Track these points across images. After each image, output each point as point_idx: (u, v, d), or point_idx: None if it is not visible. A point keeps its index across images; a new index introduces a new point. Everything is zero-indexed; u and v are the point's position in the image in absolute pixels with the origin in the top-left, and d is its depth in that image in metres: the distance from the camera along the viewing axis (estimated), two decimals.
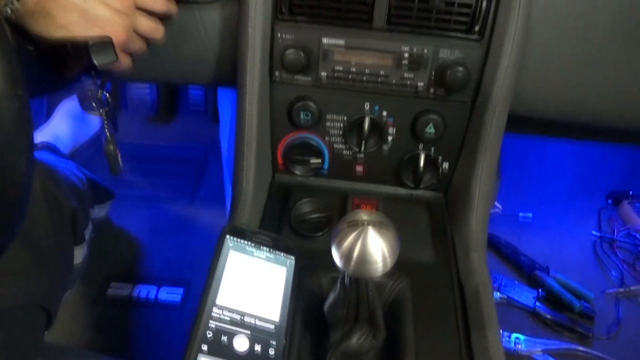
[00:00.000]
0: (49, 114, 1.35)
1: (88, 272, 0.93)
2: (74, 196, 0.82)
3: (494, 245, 1.21)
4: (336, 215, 0.65)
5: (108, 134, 0.73)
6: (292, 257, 0.56)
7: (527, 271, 1.16)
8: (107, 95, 0.69)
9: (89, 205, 0.93)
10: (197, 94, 1.35)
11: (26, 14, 0.46)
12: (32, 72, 0.58)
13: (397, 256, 0.43)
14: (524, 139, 1.06)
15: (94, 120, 1.39)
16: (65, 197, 0.78)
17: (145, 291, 1.08)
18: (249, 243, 0.56)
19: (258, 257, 0.55)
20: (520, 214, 1.30)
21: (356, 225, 0.41)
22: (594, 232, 1.28)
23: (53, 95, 1.35)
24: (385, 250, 0.42)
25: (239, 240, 0.56)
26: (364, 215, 0.42)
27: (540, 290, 1.11)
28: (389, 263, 0.43)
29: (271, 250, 0.56)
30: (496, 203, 1.25)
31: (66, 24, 0.49)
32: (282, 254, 0.56)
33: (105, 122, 0.72)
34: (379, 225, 0.41)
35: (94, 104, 0.70)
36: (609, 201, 1.36)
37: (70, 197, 0.80)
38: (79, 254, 0.84)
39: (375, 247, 0.41)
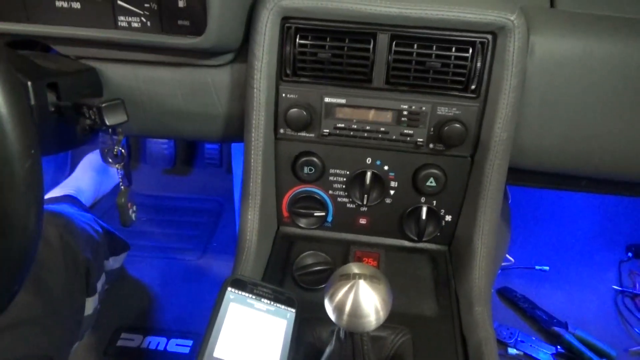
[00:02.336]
0: (73, 167, 1.41)
1: (99, 323, 0.94)
2: (90, 248, 0.85)
3: (510, 299, 1.18)
4: (338, 267, 0.65)
5: (122, 187, 0.77)
6: (293, 310, 0.56)
7: (544, 326, 1.12)
8: (122, 150, 0.73)
9: (104, 258, 0.96)
10: (213, 148, 1.40)
11: None
12: (52, 130, 0.62)
13: (389, 309, 0.43)
14: (537, 189, 1.06)
15: (116, 172, 1.44)
16: (81, 249, 0.81)
17: (155, 343, 1.08)
18: (250, 295, 0.56)
19: (258, 309, 0.56)
20: (537, 267, 1.27)
21: (348, 278, 0.42)
22: (614, 287, 1.24)
23: (76, 149, 1.42)
24: (378, 303, 0.42)
25: (240, 292, 0.57)
26: (355, 269, 0.43)
27: (558, 347, 1.07)
28: (382, 316, 0.43)
29: (272, 302, 0.56)
30: (508, 255, 1.23)
31: None
32: (282, 306, 0.56)
33: (120, 175, 0.75)
34: (370, 279, 0.42)
35: (109, 159, 0.74)
36: (629, 254, 1.32)
37: (85, 249, 0.83)
38: (90, 306, 0.85)
39: (367, 301, 0.42)
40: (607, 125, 0.64)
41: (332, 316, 0.43)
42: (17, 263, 0.43)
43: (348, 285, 0.42)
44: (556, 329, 1.10)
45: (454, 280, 0.66)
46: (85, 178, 1.32)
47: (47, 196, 1.24)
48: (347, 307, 0.42)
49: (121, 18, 0.64)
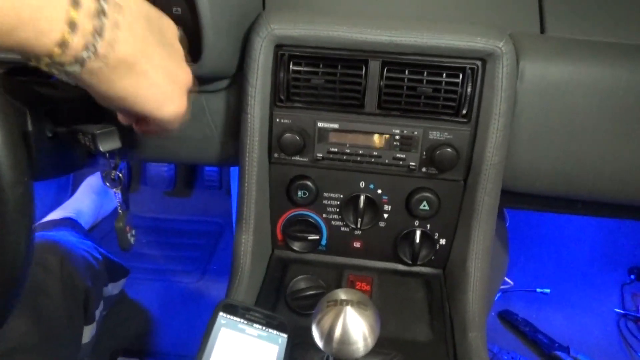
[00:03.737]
0: (74, 188, 1.43)
1: (96, 346, 0.94)
2: (89, 276, 0.85)
3: (511, 322, 1.17)
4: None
5: (120, 211, 0.77)
6: (285, 335, 0.56)
7: (546, 350, 1.11)
8: (120, 175, 0.74)
9: (103, 284, 0.96)
10: (212, 170, 1.41)
11: (109, 66, 0.38)
12: (50, 155, 0.63)
13: (377, 336, 0.43)
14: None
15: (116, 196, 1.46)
16: (80, 277, 0.82)
17: None
18: (242, 320, 0.56)
19: (250, 334, 0.55)
20: (538, 289, 1.26)
21: (335, 304, 0.42)
22: (617, 310, 1.22)
23: (77, 172, 1.43)
24: (366, 330, 0.42)
25: (231, 317, 0.57)
26: (342, 295, 0.43)
27: None
28: (370, 343, 0.43)
29: (264, 327, 0.56)
30: (507, 278, 1.22)
31: (152, 84, 0.42)
32: (274, 331, 0.56)
33: (118, 199, 0.76)
34: (357, 305, 0.42)
35: (107, 183, 0.74)
36: (632, 276, 1.31)
37: (85, 277, 0.83)
38: (88, 334, 0.85)
39: (355, 328, 0.42)
40: (598, 148, 0.64)
41: (319, 343, 0.43)
42: (8, 289, 0.44)
43: (335, 312, 0.42)
44: (558, 353, 1.08)
45: (448, 305, 0.66)
46: (85, 200, 1.33)
47: (47, 218, 1.25)
48: (335, 334, 0.42)
49: None
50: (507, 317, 1.17)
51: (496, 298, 1.21)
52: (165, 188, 1.45)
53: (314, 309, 0.44)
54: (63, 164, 0.65)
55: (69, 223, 1.22)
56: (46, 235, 0.90)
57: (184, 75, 0.47)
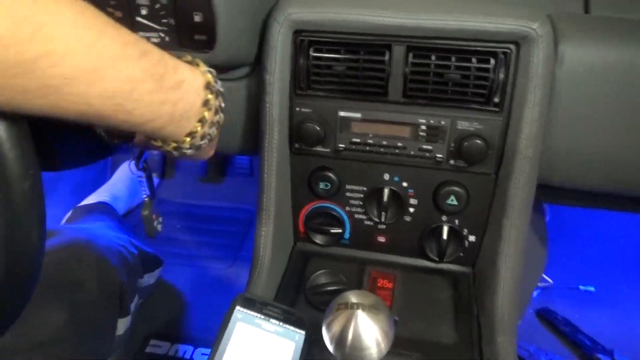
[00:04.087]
0: (111, 173, 1.46)
1: (130, 328, 0.96)
2: (125, 271, 0.88)
3: (550, 321, 1.11)
4: (353, 287, 0.63)
5: (146, 199, 0.78)
6: (302, 332, 0.55)
7: (587, 353, 1.04)
8: (145, 164, 0.74)
9: (139, 277, 0.98)
10: (243, 158, 1.41)
11: (209, 145, 0.50)
12: (72, 146, 0.64)
13: (392, 340, 0.41)
14: None
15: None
16: (116, 272, 0.84)
17: (182, 351, 1.09)
18: (259, 315, 0.55)
19: (266, 330, 0.54)
20: (581, 287, 1.19)
21: (346, 307, 0.40)
22: None
23: (117, 157, 1.47)
24: (379, 335, 0.40)
25: (248, 311, 0.56)
26: (353, 298, 0.40)
27: None
28: (384, 348, 0.41)
29: (281, 323, 0.55)
30: (545, 276, 1.16)
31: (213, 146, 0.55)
32: (291, 327, 0.55)
33: (143, 187, 0.77)
34: (369, 309, 0.40)
35: (132, 172, 0.75)
36: None
37: (121, 272, 0.85)
38: (122, 326, 0.87)
39: (367, 333, 0.40)
40: None
41: (329, 347, 0.41)
42: (22, 281, 0.44)
43: (346, 316, 0.40)
44: (600, 356, 1.02)
45: (476, 305, 0.62)
46: (120, 186, 1.37)
47: (84, 202, 1.29)
48: (346, 339, 0.40)
49: (140, 34, 0.65)
50: (546, 316, 1.11)
51: (535, 295, 1.15)
52: (198, 174, 1.46)
53: (325, 311, 0.42)
54: (84, 154, 0.66)
55: (104, 208, 1.25)
56: (83, 230, 0.93)
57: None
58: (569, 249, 1.22)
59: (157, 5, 0.62)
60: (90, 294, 0.78)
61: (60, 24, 0.31)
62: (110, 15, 0.64)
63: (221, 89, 0.48)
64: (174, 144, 0.45)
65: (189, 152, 0.46)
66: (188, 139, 0.45)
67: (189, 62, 0.46)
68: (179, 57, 0.45)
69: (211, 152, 0.56)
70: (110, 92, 0.36)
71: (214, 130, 0.47)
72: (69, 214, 1.24)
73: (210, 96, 0.45)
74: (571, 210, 1.20)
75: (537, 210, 0.89)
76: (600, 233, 1.27)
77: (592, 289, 1.18)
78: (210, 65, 0.58)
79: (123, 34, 0.36)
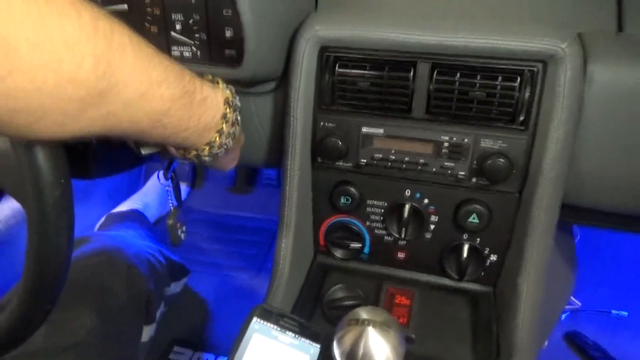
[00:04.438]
0: (145, 181, 1.51)
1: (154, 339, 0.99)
2: (153, 279, 0.90)
3: (579, 345, 1.08)
4: (370, 303, 0.63)
5: (172, 208, 0.80)
6: (317, 345, 0.55)
7: None
8: (173, 174, 0.77)
9: (166, 285, 1.01)
10: (272, 169, 1.43)
11: (226, 153, 0.55)
12: (104, 156, 0.67)
13: (402, 358, 0.40)
14: None
15: (183, 191, 1.52)
16: (144, 280, 0.87)
17: (205, 359, 1.11)
18: (275, 327, 0.56)
19: (282, 342, 0.55)
20: (613, 312, 1.14)
21: (356, 324, 0.40)
22: None
23: (151, 165, 1.51)
24: (390, 353, 0.40)
25: (265, 322, 0.56)
26: (364, 314, 0.41)
27: None
28: None
29: (297, 335, 0.55)
30: (573, 298, 1.12)
31: (235, 157, 0.61)
32: (307, 340, 0.55)
33: (170, 197, 0.79)
34: (379, 326, 0.40)
35: (160, 182, 0.77)
36: None
37: (149, 280, 0.88)
38: (147, 333, 0.90)
39: (377, 350, 0.40)
40: None
41: None
42: (50, 285, 0.46)
43: (357, 332, 0.40)
44: None
45: (496, 327, 0.61)
46: (152, 194, 1.41)
47: (117, 209, 1.33)
48: (356, 356, 0.40)
49: (174, 48, 0.68)
50: (575, 340, 1.08)
51: (563, 318, 1.11)
52: (226, 184, 1.49)
53: (336, 326, 0.43)
54: (117, 164, 0.68)
55: (136, 216, 1.29)
56: (115, 237, 0.96)
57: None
58: (601, 271, 1.18)
59: (191, 21, 0.65)
60: (119, 300, 0.81)
61: (123, 58, 0.35)
62: (147, 30, 0.67)
63: (238, 104, 0.53)
64: (194, 152, 0.51)
65: (207, 159, 0.52)
66: (207, 148, 0.50)
67: (210, 81, 0.51)
68: (201, 76, 0.49)
69: (232, 164, 0.60)
70: (153, 111, 0.40)
71: (230, 141, 0.52)
72: (102, 220, 1.28)
73: (228, 110, 0.50)
74: (604, 232, 1.16)
75: (565, 231, 0.87)
76: (634, 256, 1.22)
77: (625, 313, 1.14)
78: (239, 80, 0.60)
79: (164, 59, 0.40)
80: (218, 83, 0.51)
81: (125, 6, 0.66)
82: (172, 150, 0.55)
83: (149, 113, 0.39)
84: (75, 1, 0.32)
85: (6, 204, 1.12)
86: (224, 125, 0.50)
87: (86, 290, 0.78)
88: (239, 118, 0.53)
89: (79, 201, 0.44)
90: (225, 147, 0.52)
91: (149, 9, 0.66)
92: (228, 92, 0.51)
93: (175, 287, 1.09)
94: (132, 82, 0.36)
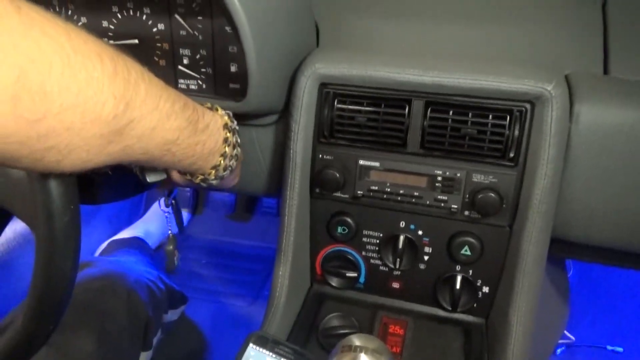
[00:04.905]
0: (146, 209, 1.53)
1: None
2: (152, 306, 0.92)
3: None
4: (364, 332, 0.64)
5: (171, 234, 0.82)
6: None
7: None
8: (174, 202, 0.79)
9: (164, 312, 1.02)
10: (271, 198, 1.45)
11: (231, 174, 0.59)
12: (108, 183, 0.69)
13: None
14: None
15: (184, 217, 1.54)
16: (144, 306, 0.88)
17: None
18: (270, 353, 0.57)
19: None
20: (609, 347, 1.14)
21: (349, 350, 0.42)
22: None
23: (151, 193, 1.53)
24: None
25: (260, 349, 0.58)
26: (357, 341, 0.42)
27: None
28: None
29: None
30: (566, 332, 1.12)
31: (237, 175, 0.64)
32: None
33: (169, 224, 0.81)
34: (371, 352, 0.41)
35: (161, 208, 0.79)
36: None
37: (148, 306, 0.90)
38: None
39: None
40: None
41: None
42: (55, 306, 0.48)
43: (349, 358, 0.41)
44: None
45: (488, 358, 0.62)
46: (154, 221, 1.43)
47: (119, 235, 1.35)
48: None
49: (181, 81, 0.71)
50: None
51: (558, 353, 1.11)
52: (226, 212, 1.51)
53: (330, 352, 0.44)
54: (122, 190, 0.71)
55: (138, 243, 1.30)
56: (117, 263, 0.98)
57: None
58: (597, 306, 1.19)
59: (198, 56, 0.69)
60: (119, 325, 0.82)
61: (138, 96, 0.38)
62: (156, 63, 0.71)
63: (236, 127, 0.57)
64: (200, 177, 0.54)
65: (214, 182, 0.56)
66: (213, 171, 0.54)
67: (210, 108, 0.55)
68: (201, 104, 0.53)
69: (234, 182, 0.65)
70: (164, 141, 0.43)
71: (233, 162, 0.56)
72: (104, 246, 1.30)
73: (228, 134, 0.54)
74: (599, 267, 1.17)
75: (558, 266, 0.88)
76: (630, 291, 1.23)
77: (620, 349, 1.14)
78: (242, 112, 0.63)
79: (172, 93, 0.43)
80: (217, 110, 0.55)
81: (136, 40, 0.70)
82: (177, 178, 0.58)
83: (159, 143, 0.42)
84: (97, 48, 0.35)
85: (9, 227, 1.13)
86: (226, 149, 0.53)
87: (87, 313, 0.79)
88: (238, 140, 0.57)
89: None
90: (230, 168, 0.56)
91: (158, 44, 0.69)
92: (226, 117, 0.55)
93: (172, 315, 1.10)
94: (145, 117, 0.39)
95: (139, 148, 0.40)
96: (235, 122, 0.57)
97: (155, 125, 0.41)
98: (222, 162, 0.54)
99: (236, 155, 0.56)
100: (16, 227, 1.14)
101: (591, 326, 1.15)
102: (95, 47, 0.35)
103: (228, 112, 0.56)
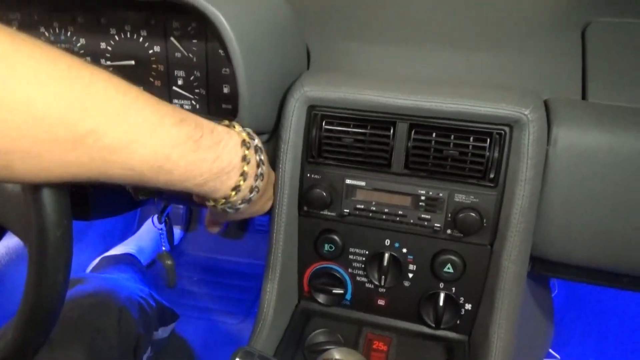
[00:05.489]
0: (139, 226, 1.54)
1: None
2: (143, 323, 0.92)
3: None
4: (349, 347, 0.65)
5: (164, 250, 0.84)
6: None
7: None
8: (167, 218, 0.81)
9: (154, 329, 1.02)
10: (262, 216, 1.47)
11: (260, 196, 0.56)
12: (102, 198, 0.71)
13: None
14: None
15: (177, 234, 1.55)
16: (134, 323, 0.89)
17: None
18: None
19: None
20: None
21: None
22: None
23: (145, 210, 1.55)
24: None
25: None
26: (337, 355, 0.43)
27: None
28: None
29: None
30: (551, 351, 1.13)
31: (270, 197, 0.64)
32: None
33: (162, 239, 0.82)
34: None
35: (154, 225, 0.81)
36: None
37: (139, 323, 0.90)
38: None
39: None
40: (639, 223, 0.61)
41: None
42: (45, 318, 0.49)
43: None
44: None
45: None
46: (146, 238, 1.43)
47: (112, 252, 1.36)
48: None
49: (175, 101, 0.74)
50: None
51: None
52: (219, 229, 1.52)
53: None
54: (115, 207, 0.73)
55: (130, 259, 1.31)
56: (109, 279, 0.99)
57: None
58: (582, 325, 1.20)
59: (192, 77, 0.71)
60: (109, 342, 0.82)
61: (103, 107, 0.36)
62: (151, 84, 0.73)
63: (260, 145, 0.53)
64: (222, 201, 0.50)
65: (241, 206, 0.51)
66: (233, 193, 0.49)
67: (227, 125, 0.52)
68: (218, 122, 0.51)
69: (268, 205, 0.62)
70: (150, 157, 0.40)
71: (260, 182, 0.52)
72: (96, 262, 1.30)
73: (247, 151, 0.49)
74: (585, 286, 1.19)
75: (540, 284, 0.90)
76: (616, 310, 1.24)
77: None
78: None
79: (163, 108, 0.41)
80: (234, 127, 0.52)
81: (133, 62, 0.72)
82: (201, 202, 0.55)
83: (145, 159, 0.40)
84: (52, 49, 0.34)
85: (1, 243, 1.14)
86: (245, 167, 0.49)
87: (78, 329, 0.79)
88: (262, 157, 0.53)
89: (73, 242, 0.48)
90: (256, 190, 0.51)
91: (154, 65, 0.72)
92: (244, 134, 0.51)
93: (163, 332, 1.10)
94: (114, 130, 0.37)
95: (119, 163, 0.38)
96: (257, 139, 0.53)
97: (133, 140, 0.38)
98: (242, 182, 0.49)
99: (261, 174, 0.52)
100: (8, 243, 1.15)
101: (578, 345, 1.16)
102: (52, 53, 0.34)
103: (248, 129, 0.53)
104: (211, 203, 0.51)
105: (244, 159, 0.49)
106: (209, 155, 0.45)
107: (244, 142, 0.50)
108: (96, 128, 0.36)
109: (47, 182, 0.39)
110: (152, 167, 0.41)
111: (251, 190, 0.51)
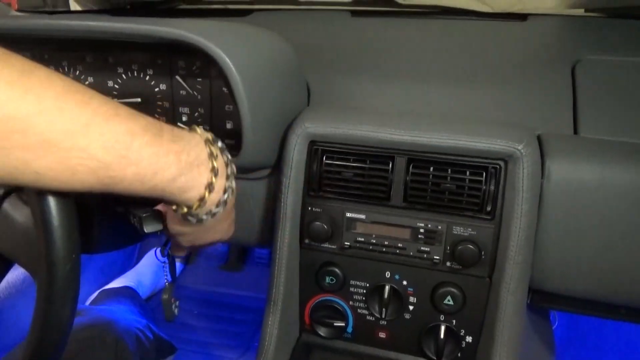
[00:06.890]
0: (138, 259, 1.54)
1: None
2: (139, 355, 0.92)
3: None
4: None
5: (167, 283, 0.84)
6: None
7: None
8: (170, 251, 0.81)
9: None
10: (263, 249, 1.47)
11: (224, 214, 0.53)
12: (108, 231, 0.72)
13: None
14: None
15: (177, 267, 1.55)
16: (131, 356, 0.89)
17: None
18: None
19: None
20: None
21: None
22: None
23: (145, 242, 1.55)
24: None
25: None
26: None
27: None
28: None
29: None
30: None
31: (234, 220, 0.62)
32: None
33: (165, 272, 0.83)
34: None
35: (157, 258, 0.82)
36: None
37: (136, 356, 0.90)
38: None
39: None
40: (633, 255, 0.62)
41: None
42: (51, 351, 0.49)
43: None
44: None
45: None
46: (146, 272, 1.44)
47: (110, 285, 1.35)
48: None
49: None
50: None
51: None
52: (219, 262, 1.52)
53: None
54: (120, 239, 0.73)
55: (128, 292, 1.31)
56: (107, 311, 0.99)
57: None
58: (583, 358, 1.19)
59: (196, 114, 0.73)
60: None
61: (47, 88, 0.36)
62: (156, 119, 0.75)
63: (224, 146, 0.52)
64: (185, 209, 0.48)
65: (205, 217, 0.50)
66: (207, 193, 0.47)
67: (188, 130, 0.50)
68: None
69: (231, 231, 0.62)
70: (110, 143, 0.39)
71: (228, 197, 0.50)
72: (95, 295, 1.30)
73: (212, 147, 0.48)
74: (586, 319, 1.18)
75: (541, 316, 0.90)
76: (617, 342, 1.24)
77: None
78: (237, 167, 0.67)
79: (119, 105, 0.41)
80: (195, 130, 0.50)
81: (139, 99, 0.75)
82: (170, 216, 0.55)
83: (105, 145, 0.39)
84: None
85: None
86: (215, 163, 0.47)
87: None
88: (234, 170, 0.52)
89: None
90: (222, 205, 0.50)
91: (159, 102, 0.74)
92: (208, 134, 0.49)
93: None
94: (50, 122, 0.36)
95: (77, 150, 0.37)
96: (220, 142, 0.51)
97: (87, 124, 0.37)
98: (214, 179, 0.47)
99: (231, 187, 0.50)
100: (8, 277, 1.15)
101: None
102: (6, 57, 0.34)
103: (210, 132, 0.51)
104: (173, 207, 0.49)
105: (211, 155, 0.47)
106: (173, 148, 0.44)
107: (207, 140, 0.49)
108: (44, 110, 0.36)
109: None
110: (115, 156, 0.40)
111: (218, 203, 0.49)
